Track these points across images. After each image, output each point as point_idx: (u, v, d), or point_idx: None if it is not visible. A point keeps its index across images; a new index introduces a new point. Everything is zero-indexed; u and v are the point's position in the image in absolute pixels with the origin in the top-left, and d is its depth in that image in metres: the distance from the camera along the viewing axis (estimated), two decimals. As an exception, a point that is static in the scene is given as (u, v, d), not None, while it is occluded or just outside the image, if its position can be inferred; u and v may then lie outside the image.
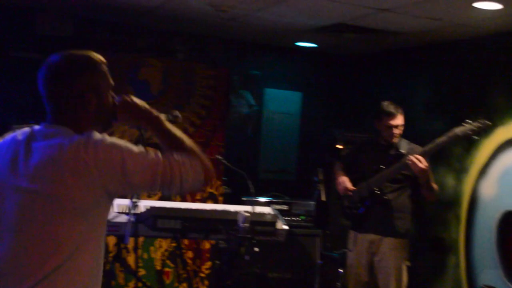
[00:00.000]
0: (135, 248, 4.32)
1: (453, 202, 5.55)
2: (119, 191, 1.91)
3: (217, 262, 5.53)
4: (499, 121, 5.00)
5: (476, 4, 4.24)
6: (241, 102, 6.75)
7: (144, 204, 4.45)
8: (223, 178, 5.76)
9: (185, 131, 5.58)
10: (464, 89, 5.58)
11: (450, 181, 5.54)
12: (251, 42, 6.54)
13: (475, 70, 5.49)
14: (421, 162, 4.23)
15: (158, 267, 5.53)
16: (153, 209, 4.16)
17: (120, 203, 4.55)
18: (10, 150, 1.91)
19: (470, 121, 4.27)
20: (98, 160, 1.81)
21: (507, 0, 4.18)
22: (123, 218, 4.32)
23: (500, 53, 5.26)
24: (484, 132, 4.31)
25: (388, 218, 4.57)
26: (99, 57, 2.02)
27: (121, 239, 4.84)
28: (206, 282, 5.69)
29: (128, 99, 2.07)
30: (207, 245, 5.70)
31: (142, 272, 5.41)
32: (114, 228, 4.30)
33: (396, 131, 4.54)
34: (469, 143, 5.16)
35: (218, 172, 5.57)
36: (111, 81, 2.03)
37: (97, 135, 1.86)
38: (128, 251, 5.32)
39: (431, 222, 5.63)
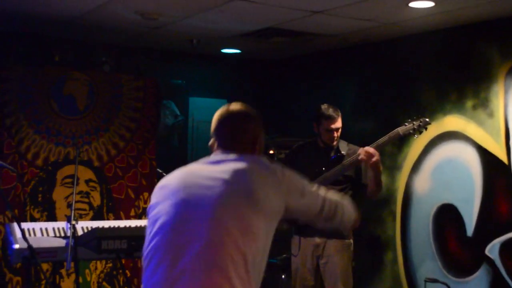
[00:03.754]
0: (76, 272, 4.06)
1: (388, 199, 5.63)
2: (293, 210, 2.23)
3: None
4: (429, 117, 5.10)
5: (412, 4, 4.30)
6: (165, 113, 6.58)
7: (81, 226, 4.22)
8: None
9: (115, 146, 5.45)
10: (395, 88, 5.67)
11: (383, 179, 5.59)
12: (174, 50, 6.39)
13: (405, 68, 5.59)
14: (374, 155, 4.21)
15: (96, 290, 5.28)
16: (96, 230, 3.94)
17: (54, 226, 4.29)
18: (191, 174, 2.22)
19: (411, 120, 4.33)
20: (284, 177, 2.21)
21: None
22: (60, 242, 4.07)
23: (429, 50, 5.38)
24: (425, 130, 4.37)
25: (332, 221, 4.55)
26: None
27: (58, 265, 4.55)
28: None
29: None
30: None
31: (80, 297, 5.14)
32: (50, 254, 4.04)
33: (336, 134, 4.53)
34: (401, 140, 5.24)
35: (152, 185, 5.39)
36: None
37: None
38: (61, 277, 5.04)
39: (367, 221, 5.67)
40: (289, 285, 5.18)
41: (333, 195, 2.36)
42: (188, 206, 2.12)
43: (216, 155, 2.29)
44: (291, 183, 2.21)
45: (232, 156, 2.23)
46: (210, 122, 2.42)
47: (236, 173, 2.14)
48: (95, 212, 5.32)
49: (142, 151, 5.54)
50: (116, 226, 4.17)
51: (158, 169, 4.80)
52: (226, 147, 2.30)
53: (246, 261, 2.04)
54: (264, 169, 2.18)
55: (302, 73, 6.80)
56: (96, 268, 5.28)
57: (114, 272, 5.36)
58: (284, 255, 5.18)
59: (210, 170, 2.19)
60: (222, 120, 2.35)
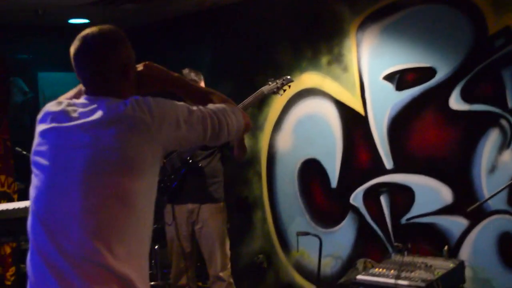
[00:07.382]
0: None
1: (252, 160, 5.71)
2: (173, 146, 1.97)
3: (22, 265, 5.09)
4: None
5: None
6: (13, 91, 6.21)
7: None
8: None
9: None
10: (252, 49, 5.71)
11: (246, 141, 5.65)
12: (19, 23, 6.01)
13: (261, 29, 5.63)
14: None
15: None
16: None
17: None
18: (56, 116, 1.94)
19: (274, 79, 4.40)
20: (154, 117, 1.87)
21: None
22: None
23: (283, 10, 5.43)
24: (288, 87, 4.46)
25: (203, 185, 4.56)
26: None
27: None
28: (14, 290, 5.22)
29: (150, 63, 2.16)
30: (8, 250, 5.19)
31: None
32: None
33: None
34: (261, 101, 5.30)
35: (8, 167, 5.09)
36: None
37: (144, 96, 1.92)
38: None
39: (234, 183, 5.73)
40: (163, 255, 5.14)
41: (214, 108, 2.04)
42: (59, 174, 1.86)
43: (82, 101, 1.95)
44: (162, 120, 1.87)
45: (96, 105, 1.91)
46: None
47: (102, 133, 1.84)
48: None
49: (-7, 132, 5.21)
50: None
51: (17, 148, 4.52)
52: (88, 90, 1.98)
53: (124, 232, 1.82)
54: (131, 119, 1.84)
55: (158, 40, 6.66)
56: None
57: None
58: (155, 225, 5.12)
59: (78, 126, 1.88)
60: (75, 54, 1.99)
